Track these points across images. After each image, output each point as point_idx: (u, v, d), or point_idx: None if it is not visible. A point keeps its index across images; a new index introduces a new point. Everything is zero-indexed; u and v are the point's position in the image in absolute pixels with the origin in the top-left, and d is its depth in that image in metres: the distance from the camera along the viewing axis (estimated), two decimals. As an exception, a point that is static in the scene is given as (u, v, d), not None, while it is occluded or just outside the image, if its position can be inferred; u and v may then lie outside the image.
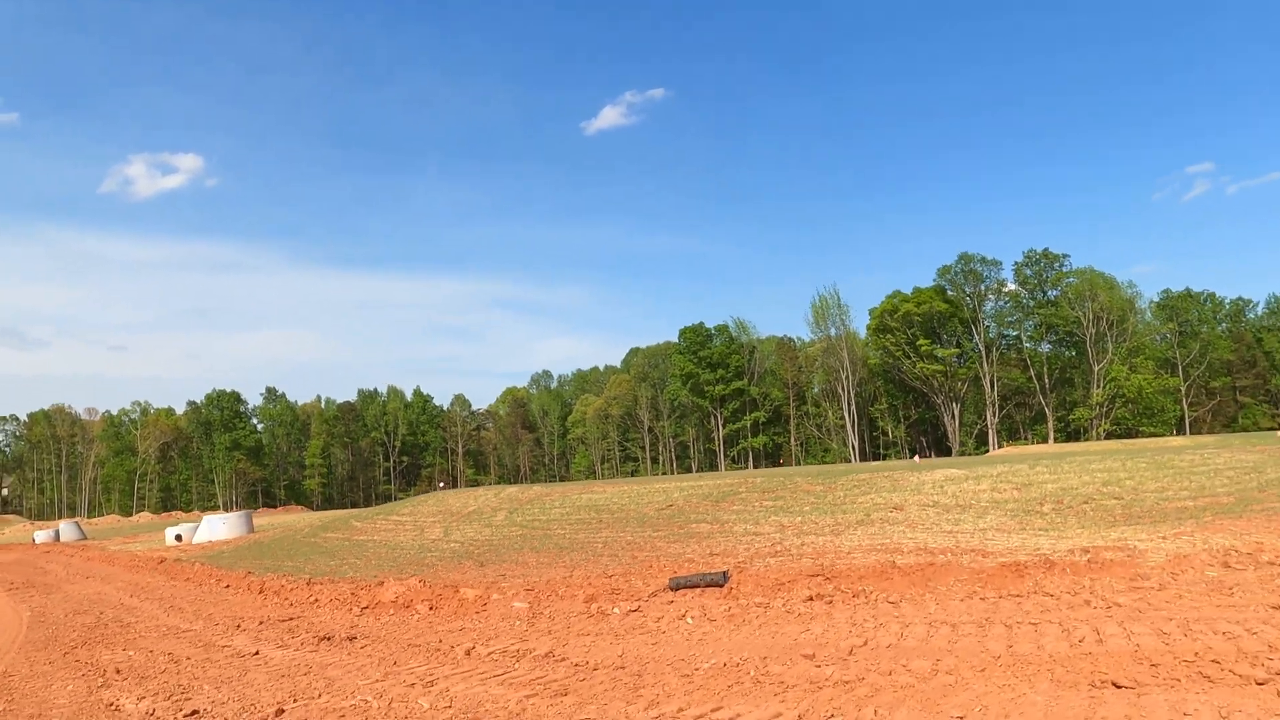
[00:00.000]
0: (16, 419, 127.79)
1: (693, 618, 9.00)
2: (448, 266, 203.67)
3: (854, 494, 16.34)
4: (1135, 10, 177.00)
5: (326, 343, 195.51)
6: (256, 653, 9.78)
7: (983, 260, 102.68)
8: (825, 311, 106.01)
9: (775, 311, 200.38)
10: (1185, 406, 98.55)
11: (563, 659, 7.99)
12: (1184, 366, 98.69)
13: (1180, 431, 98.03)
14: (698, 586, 9.83)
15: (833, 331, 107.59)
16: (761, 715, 5.88)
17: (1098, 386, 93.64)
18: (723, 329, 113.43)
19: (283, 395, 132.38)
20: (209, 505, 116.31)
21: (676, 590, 9.90)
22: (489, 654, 8.47)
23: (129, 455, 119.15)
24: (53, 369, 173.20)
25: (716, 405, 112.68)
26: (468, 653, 8.56)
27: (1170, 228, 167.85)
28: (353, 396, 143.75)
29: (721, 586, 9.77)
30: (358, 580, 14.58)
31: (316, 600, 13.38)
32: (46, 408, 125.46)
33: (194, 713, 7.26)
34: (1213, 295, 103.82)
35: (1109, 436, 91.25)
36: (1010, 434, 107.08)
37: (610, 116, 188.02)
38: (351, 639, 9.95)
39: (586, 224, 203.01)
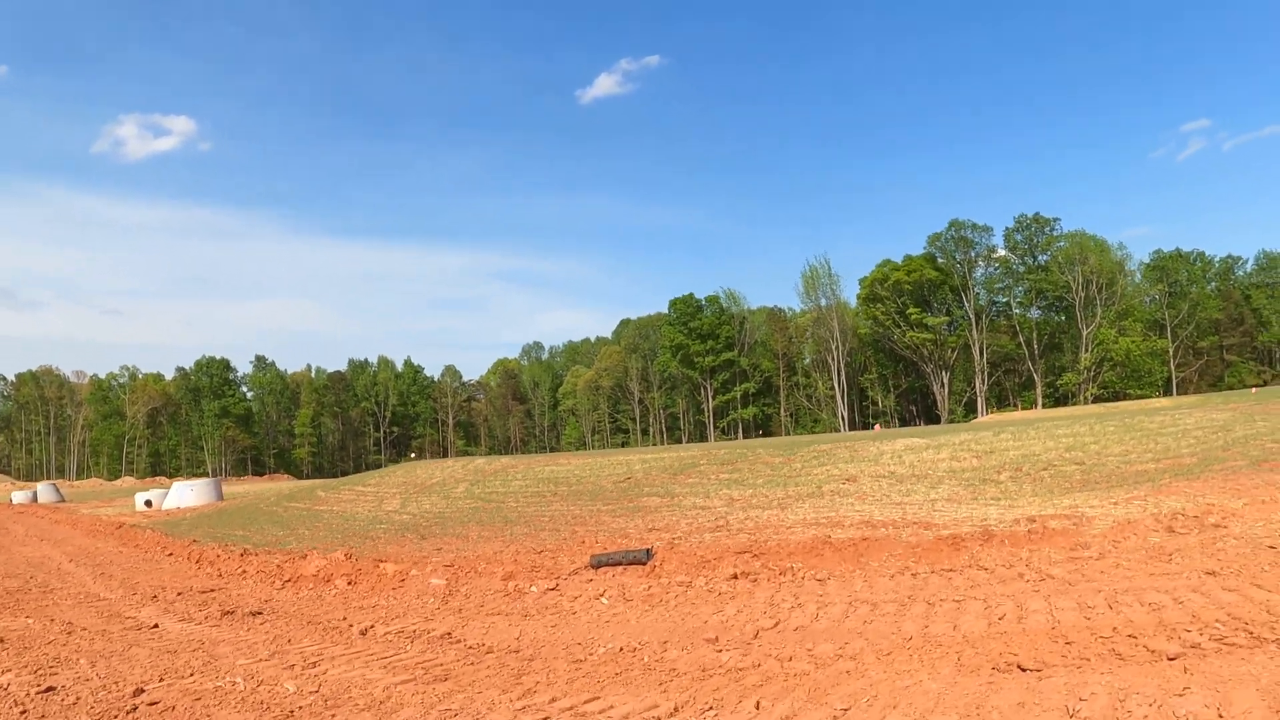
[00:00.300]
0: (4, 379, 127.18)
1: (609, 598, 8.52)
2: (445, 237, 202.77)
3: (810, 466, 15.87)
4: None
5: (322, 312, 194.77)
6: (156, 625, 9.30)
7: (973, 226, 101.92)
8: (816, 281, 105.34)
9: (769, 282, 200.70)
10: (1173, 368, 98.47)
11: (459, 640, 7.51)
12: (1172, 327, 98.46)
13: (1168, 393, 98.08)
14: (620, 564, 9.34)
15: (823, 302, 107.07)
16: (636, 707, 5.39)
17: (1086, 351, 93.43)
18: (713, 300, 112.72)
19: (273, 364, 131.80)
20: (198, 471, 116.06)
21: (598, 568, 9.42)
22: (386, 634, 7.98)
23: (117, 419, 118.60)
24: (46, 331, 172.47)
25: (706, 376, 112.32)
26: (363, 632, 8.07)
27: (1167, 188, 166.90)
28: (346, 367, 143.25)
29: (644, 564, 9.28)
30: (292, 552, 14.12)
31: (244, 572, 12.92)
32: (34, 369, 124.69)
33: (49, 689, 6.78)
34: (1202, 254, 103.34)
35: (1096, 400, 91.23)
36: (1000, 401, 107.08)
37: (606, 85, 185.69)
38: (256, 614, 9.47)
39: (584, 194, 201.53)
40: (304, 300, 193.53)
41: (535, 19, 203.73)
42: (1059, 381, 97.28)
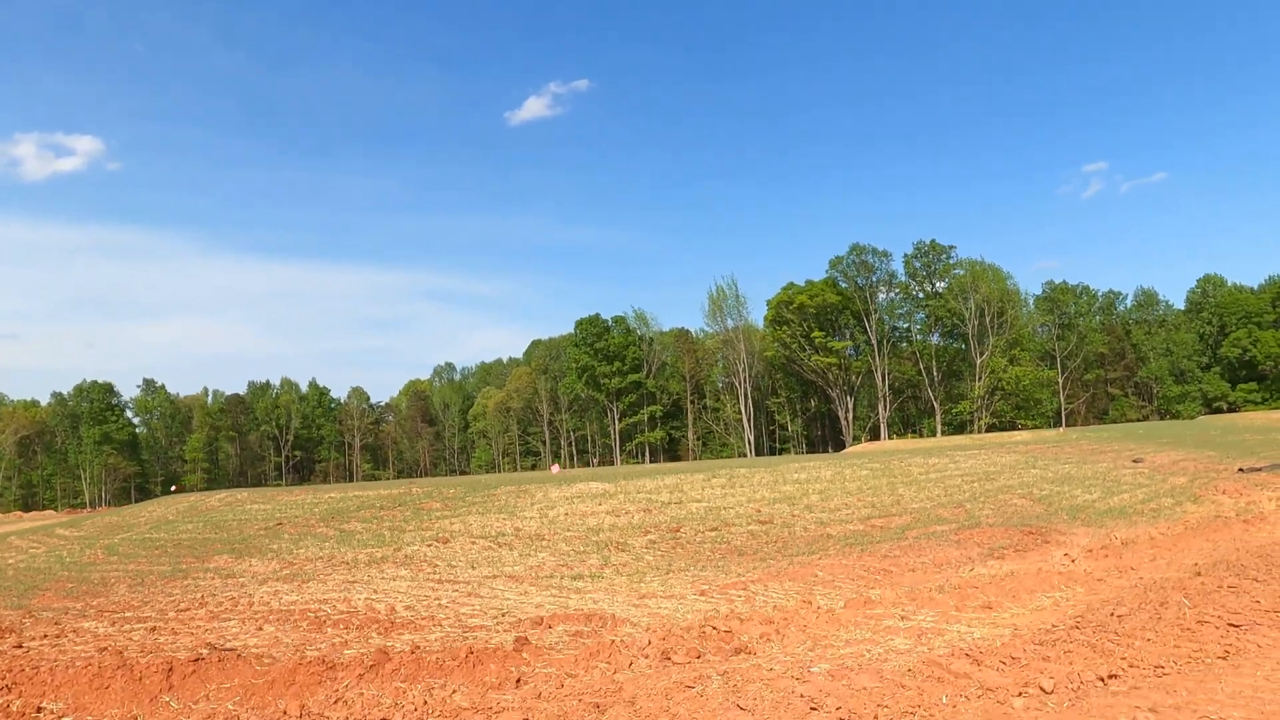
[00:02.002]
0: None
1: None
2: (367, 257, 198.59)
3: (455, 514, 14.67)
4: (1032, 12, 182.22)
5: (237, 334, 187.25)
6: None
7: (874, 251, 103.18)
8: (722, 303, 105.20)
9: (690, 304, 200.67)
10: (1062, 399, 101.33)
11: None
12: (1061, 359, 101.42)
13: (1057, 424, 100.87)
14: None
15: (730, 324, 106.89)
16: None
17: (978, 379, 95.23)
18: (620, 321, 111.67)
19: (162, 387, 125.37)
20: (75, 501, 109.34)
21: None
22: None
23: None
24: None
25: (613, 398, 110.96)
26: None
27: (1072, 224, 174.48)
28: (246, 389, 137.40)
29: None
30: None
31: None
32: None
33: None
34: (1087, 288, 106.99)
35: (989, 430, 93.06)
36: (903, 427, 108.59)
37: (534, 107, 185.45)
38: None
39: (511, 215, 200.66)
40: (218, 321, 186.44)
41: (464, 40, 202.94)
42: (954, 409, 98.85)
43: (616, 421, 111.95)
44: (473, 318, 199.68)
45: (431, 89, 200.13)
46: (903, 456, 26.47)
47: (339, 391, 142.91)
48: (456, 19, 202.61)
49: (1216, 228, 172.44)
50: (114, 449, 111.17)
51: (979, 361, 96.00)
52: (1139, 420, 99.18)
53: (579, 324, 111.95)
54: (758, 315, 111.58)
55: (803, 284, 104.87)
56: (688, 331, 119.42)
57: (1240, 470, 18.42)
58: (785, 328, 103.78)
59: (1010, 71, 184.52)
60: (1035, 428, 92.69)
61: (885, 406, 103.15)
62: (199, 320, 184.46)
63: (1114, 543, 9.69)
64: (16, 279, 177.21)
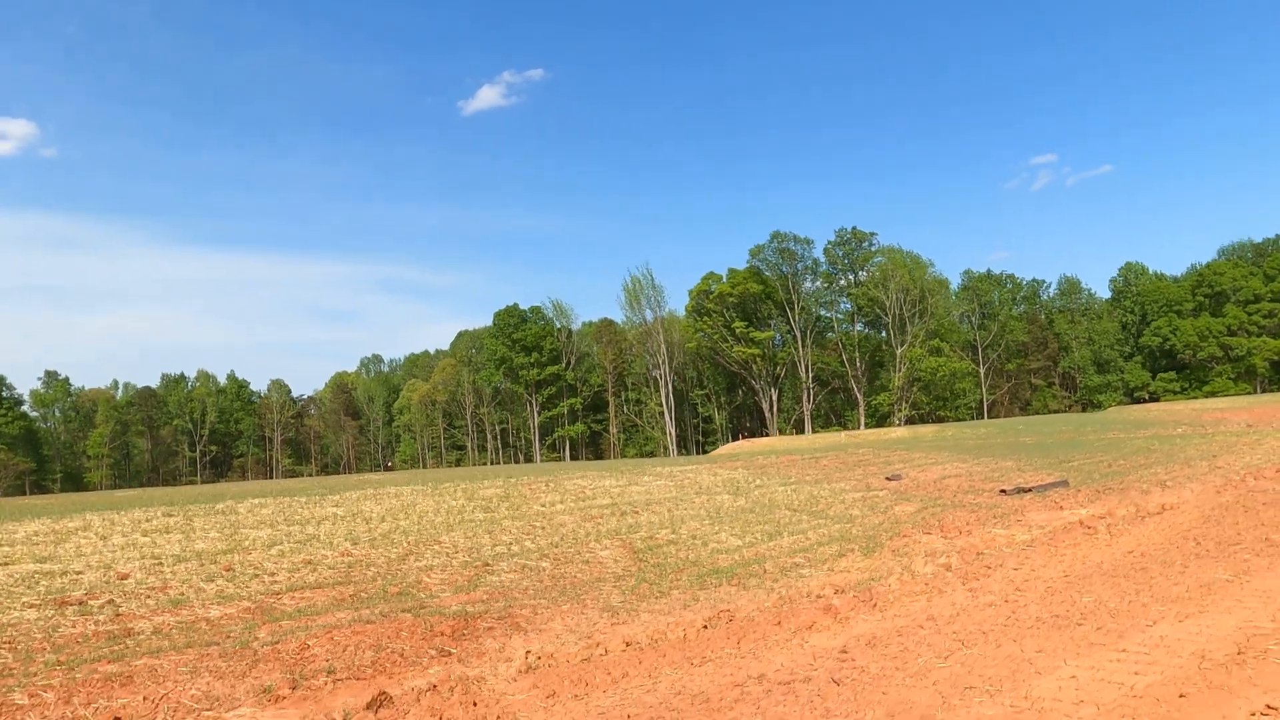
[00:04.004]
0: None
1: None
2: (314, 246, 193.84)
3: None
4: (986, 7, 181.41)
5: (182, 325, 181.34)
6: None
7: (795, 239, 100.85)
8: (639, 293, 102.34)
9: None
10: (984, 390, 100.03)
11: None
12: (983, 349, 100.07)
13: (980, 416, 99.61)
14: None
15: (648, 314, 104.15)
16: None
17: (898, 370, 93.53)
18: (538, 311, 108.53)
19: (65, 379, 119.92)
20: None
21: None
22: None
23: None
24: None
25: (532, 391, 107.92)
26: None
27: (1020, 216, 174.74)
28: (159, 382, 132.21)
29: None
30: None
31: None
32: None
33: None
34: (1012, 276, 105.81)
35: (909, 422, 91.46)
36: (827, 419, 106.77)
37: (489, 96, 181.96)
38: None
39: (466, 204, 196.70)
40: (161, 312, 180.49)
41: (419, 26, 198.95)
42: (873, 401, 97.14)
43: (536, 415, 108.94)
44: (425, 309, 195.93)
45: (385, 75, 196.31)
46: (693, 466, 24.00)
47: (256, 384, 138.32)
48: (411, 2, 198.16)
49: (1152, 219, 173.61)
50: (4, 444, 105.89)
51: (899, 352, 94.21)
52: (1061, 411, 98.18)
53: (497, 315, 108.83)
54: (680, 306, 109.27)
55: (724, 273, 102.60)
56: (612, 322, 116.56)
57: (1003, 492, 16.02)
58: (706, 318, 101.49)
59: (961, 62, 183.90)
60: (956, 419, 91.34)
61: (809, 398, 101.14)
62: (142, 311, 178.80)
63: (553, 658, 6.66)
64: None
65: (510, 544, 11.98)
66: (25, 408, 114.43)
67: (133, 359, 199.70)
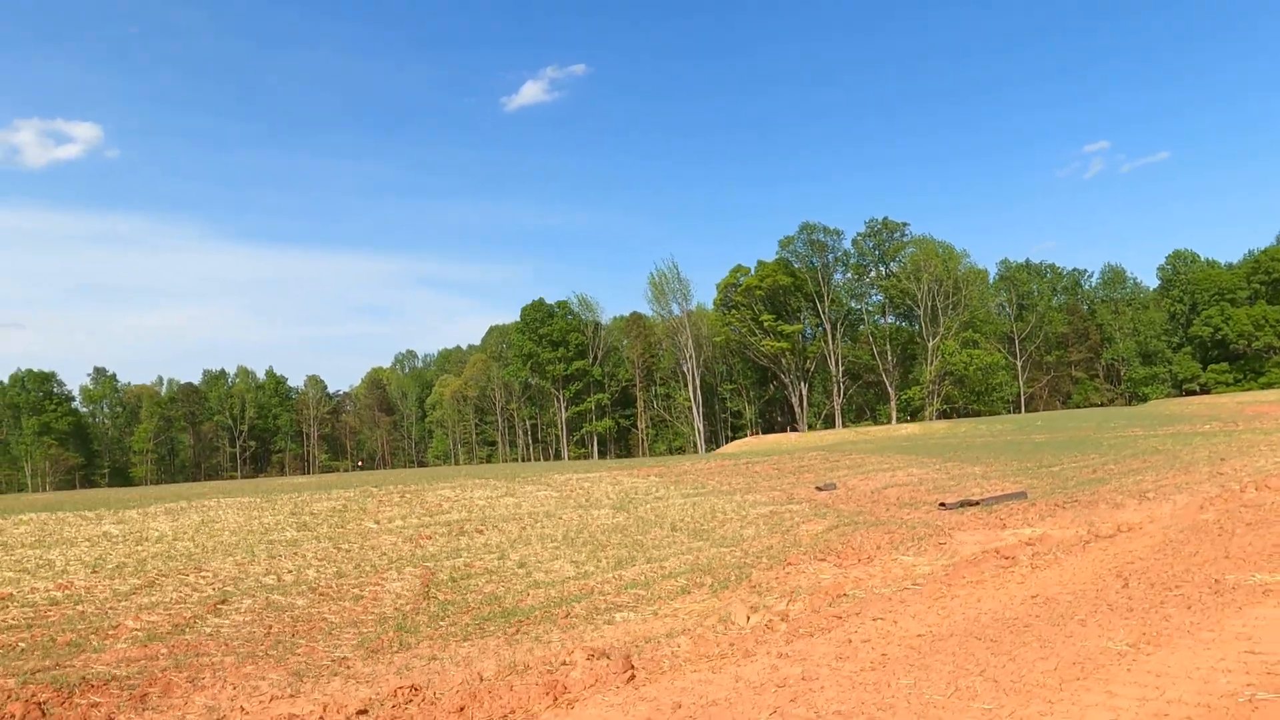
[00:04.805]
0: None
1: None
2: (362, 243, 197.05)
3: None
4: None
5: (231, 321, 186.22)
6: None
7: (825, 230, 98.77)
8: (665, 287, 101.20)
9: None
10: (1021, 383, 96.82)
11: None
12: (1020, 341, 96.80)
13: (1017, 409, 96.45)
14: None
15: (675, 309, 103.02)
16: None
17: (929, 363, 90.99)
18: (564, 305, 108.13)
19: (111, 376, 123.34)
20: (17, 492, 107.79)
21: None
22: None
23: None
24: None
25: (559, 386, 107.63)
26: None
27: (1071, 205, 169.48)
28: (201, 378, 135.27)
29: None
30: None
31: None
32: None
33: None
34: (1053, 266, 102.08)
35: (941, 416, 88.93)
36: (859, 414, 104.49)
37: (531, 92, 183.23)
38: None
39: (506, 200, 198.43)
40: (212, 309, 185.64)
41: (461, 23, 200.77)
42: (905, 395, 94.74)
43: (563, 410, 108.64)
44: (459, 304, 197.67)
45: (429, 74, 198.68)
46: (623, 469, 23.02)
47: (294, 380, 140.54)
48: (453, 1, 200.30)
49: (1208, 206, 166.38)
50: (55, 439, 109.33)
51: (930, 345, 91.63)
52: (1103, 405, 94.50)
53: (524, 310, 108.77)
54: (709, 300, 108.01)
55: (752, 265, 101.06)
56: (641, 316, 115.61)
57: (942, 505, 14.73)
58: (734, 311, 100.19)
59: (1008, 48, 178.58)
60: (991, 413, 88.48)
61: (839, 392, 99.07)
62: (186, 307, 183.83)
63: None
64: (21, 268, 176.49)
65: (287, 573, 11.11)
66: (75, 404, 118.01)
67: (176, 355, 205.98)
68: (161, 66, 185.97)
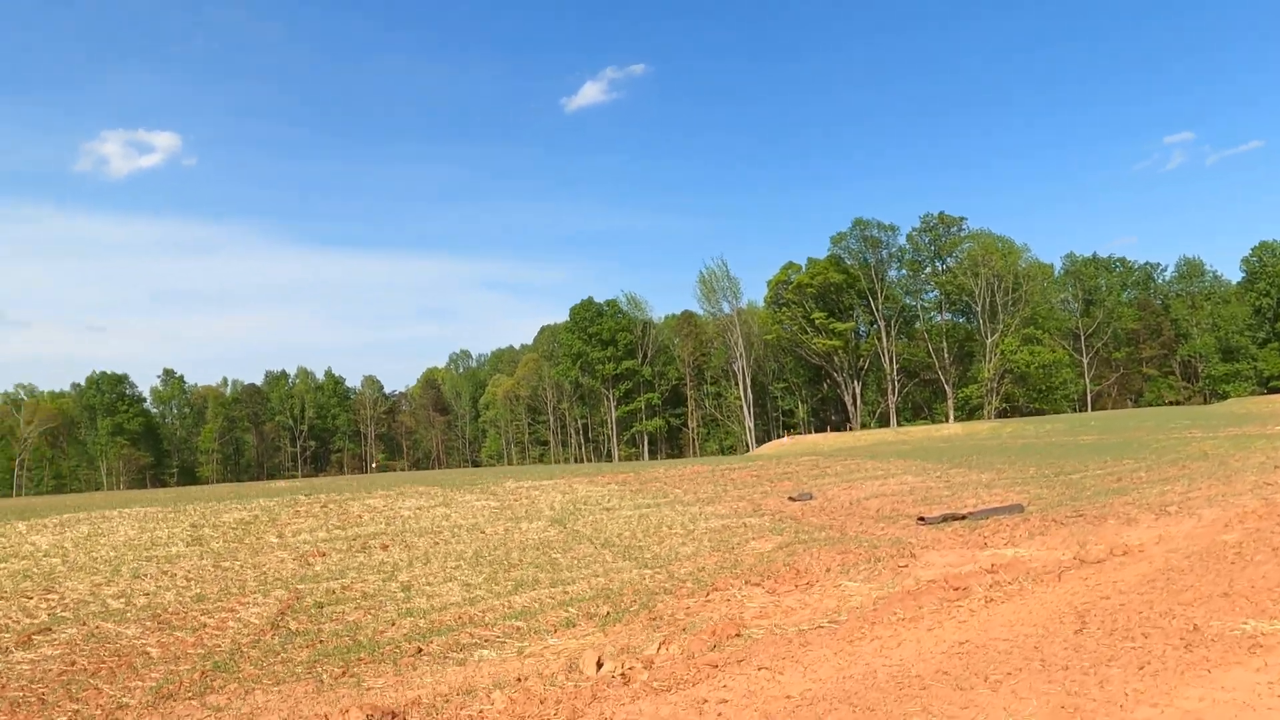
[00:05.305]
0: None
1: None
2: (427, 246, 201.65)
3: None
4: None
5: (295, 322, 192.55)
6: None
7: (879, 226, 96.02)
8: (714, 285, 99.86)
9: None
10: (1087, 380, 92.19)
11: None
12: (1086, 337, 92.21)
13: (1084, 407, 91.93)
14: None
15: (725, 307, 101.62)
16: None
17: (988, 361, 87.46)
18: (613, 304, 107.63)
19: (179, 377, 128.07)
20: (94, 490, 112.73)
21: None
22: None
23: (11, 440, 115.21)
24: (36, 350, 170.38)
25: (608, 385, 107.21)
26: None
27: (1149, 198, 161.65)
28: (263, 379, 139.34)
29: None
30: None
31: None
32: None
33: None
34: (1123, 260, 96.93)
35: (1001, 415, 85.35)
36: (915, 412, 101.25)
37: (591, 93, 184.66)
38: None
39: (566, 201, 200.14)
40: (284, 311, 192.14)
41: (521, 26, 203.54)
42: (963, 393, 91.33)
43: (613, 409, 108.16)
44: (514, 304, 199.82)
45: (489, 76, 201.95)
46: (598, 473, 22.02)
47: (351, 380, 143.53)
48: (514, 4, 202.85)
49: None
50: (127, 439, 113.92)
51: (989, 342, 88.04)
52: (1178, 403, 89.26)
53: (572, 310, 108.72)
54: (759, 297, 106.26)
55: (804, 262, 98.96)
56: (693, 315, 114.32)
57: (921, 520, 13.25)
58: (785, 309, 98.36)
59: (1086, 38, 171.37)
60: (1056, 411, 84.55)
61: (894, 391, 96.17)
62: (260, 310, 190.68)
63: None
64: (104, 274, 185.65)
65: (141, 596, 10.22)
66: (146, 404, 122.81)
67: (241, 357, 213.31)
68: (238, 77, 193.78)
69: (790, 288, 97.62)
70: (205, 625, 8.87)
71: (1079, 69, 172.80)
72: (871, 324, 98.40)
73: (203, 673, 7.23)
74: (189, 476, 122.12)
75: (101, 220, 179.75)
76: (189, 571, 11.58)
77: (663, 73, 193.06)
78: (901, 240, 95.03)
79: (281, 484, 36.03)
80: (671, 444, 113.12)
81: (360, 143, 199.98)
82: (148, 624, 8.89)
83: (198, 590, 10.52)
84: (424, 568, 11.54)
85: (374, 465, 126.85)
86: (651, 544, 12.75)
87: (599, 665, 6.36)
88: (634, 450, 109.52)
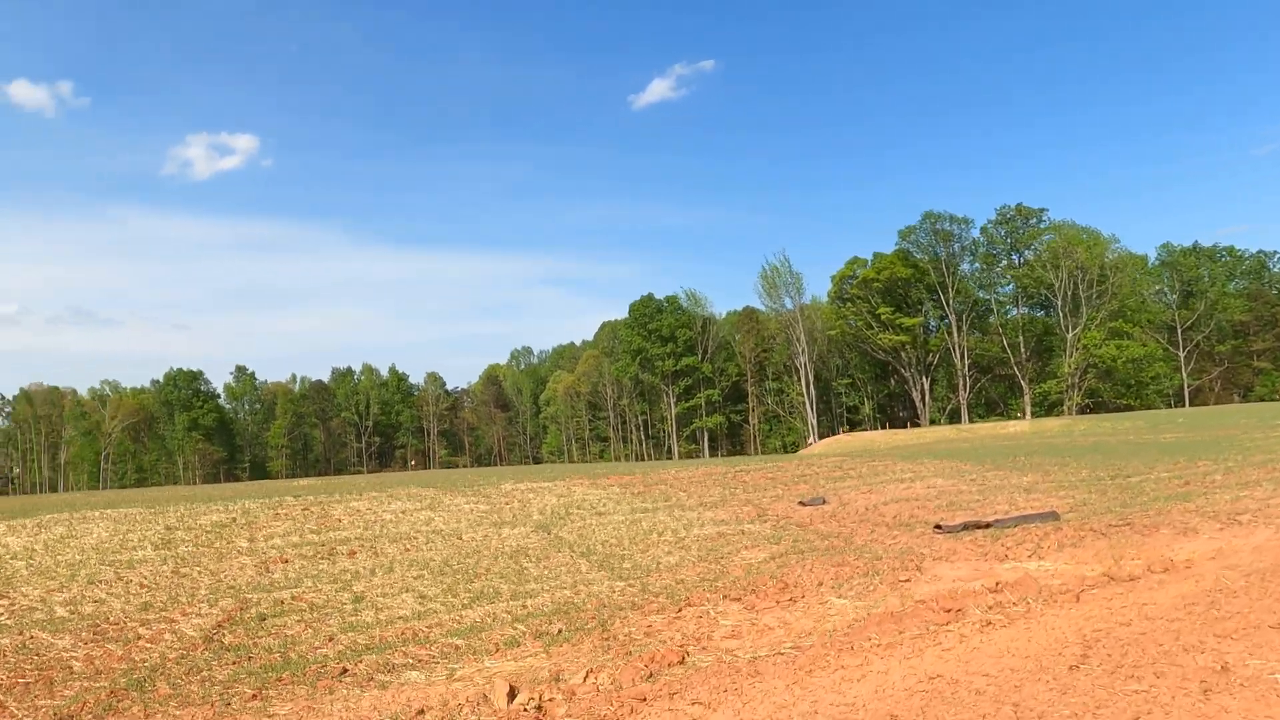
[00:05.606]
0: (3, 397, 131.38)
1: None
2: (492, 243, 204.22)
3: None
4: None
5: (363, 320, 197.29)
6: None
7: (952, 218, 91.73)
8: (776, 281, 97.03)
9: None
10: (1184, 375, 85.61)
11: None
12: (1183, 330, 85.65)
13: (1180, 403, 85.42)
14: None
15: (787, 303, 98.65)
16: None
17: (1069, 355, 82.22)
18: (673, 301, 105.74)
19: (251, 374, 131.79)
20: (173, 484, 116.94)
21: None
22: None
23: (97, 434, 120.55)
24: (126, 348, 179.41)
25: (668, 382, 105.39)
26: None
27: (1272, 184, 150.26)
28: (330, 376, 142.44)
29: None
30: None
31: None
32: (27, 386, 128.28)
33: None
34: (1230, 249, 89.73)
35: (1084, 411, 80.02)
36: (990, 407, 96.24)
37: (659, 90, 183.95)
38: None
39: (633, 198, 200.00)
40: (357, 308, 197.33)
41: (592, 24, 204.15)
42: (1041, 388, 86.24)
43: (673, 406, 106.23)
44: (577, 301, 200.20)
45: (558, 75, 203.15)
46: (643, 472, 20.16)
47: (449, 379, 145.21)
48: (583, 4, 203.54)
49: None
50: (202, 434, 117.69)
51: (1070, 336, 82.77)
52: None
53: (632, 306, 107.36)
54: (822, 292, 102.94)
55: (869, 257, 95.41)
56: (755, 311, 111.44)
57: (938, 528, 11.65)
58: (849, 304, 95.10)
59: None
60: (1147, 406, 78.84)
61: (965, 386, 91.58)
62: (329, 308, 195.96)
63: None
64: (186, 274, 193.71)
65: (89, 604, 9.59)
66: (220, 400, 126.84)
67: (308, 354, 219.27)
68: (315, 79, 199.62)
69: (855, 283, 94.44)
70: (140, 637, 8.42)
71: (1180, 49, 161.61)
72: (942, 319, 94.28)
73: (112, 692, 6.84)
74: (260, 471, 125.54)
75: (185, 221, 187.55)
76: (145, 578, 10.97)
77: (732, 69, 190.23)
78: (975, 233, 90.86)
79: (303, 483, 35.79)
80: (733, 440, 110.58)
81: (431, 142, 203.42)
82: (84, 635, 8.50)
83: (146, 598, 9.94)
84: (385, 577, 10.78)
85: (412, 464, 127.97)
86: (635, 552, 11.71)
87: (511, 696, 5.80)
88: (694, 446, 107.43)
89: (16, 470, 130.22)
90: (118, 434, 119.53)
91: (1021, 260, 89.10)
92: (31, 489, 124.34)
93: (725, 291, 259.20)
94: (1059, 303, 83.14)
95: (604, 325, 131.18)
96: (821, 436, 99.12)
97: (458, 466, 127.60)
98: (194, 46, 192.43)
